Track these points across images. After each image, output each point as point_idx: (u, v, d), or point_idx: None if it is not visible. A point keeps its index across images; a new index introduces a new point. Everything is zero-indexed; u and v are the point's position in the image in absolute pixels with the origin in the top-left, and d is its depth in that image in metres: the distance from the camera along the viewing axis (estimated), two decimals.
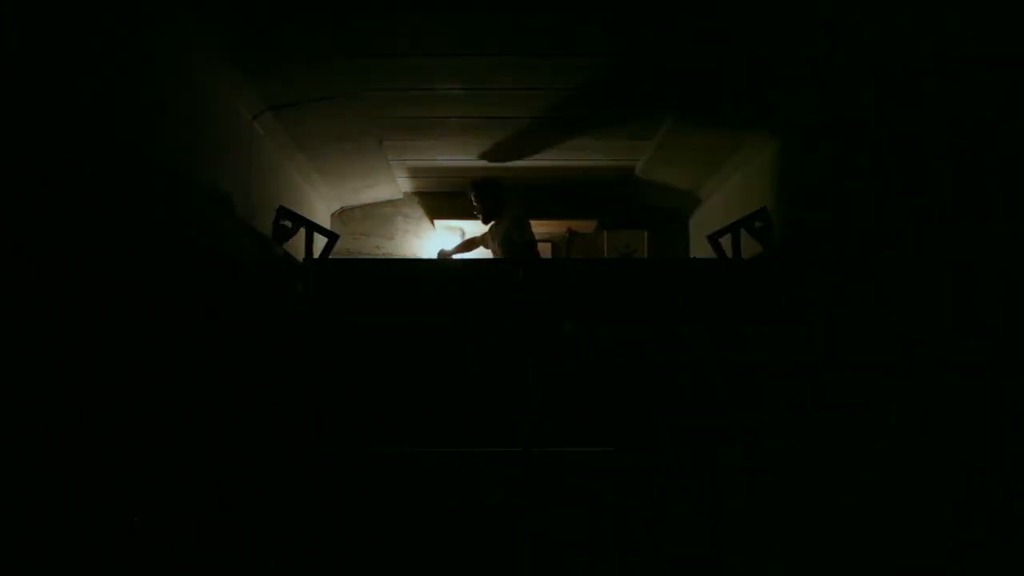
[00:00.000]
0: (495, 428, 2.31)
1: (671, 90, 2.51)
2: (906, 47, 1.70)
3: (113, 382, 1.37)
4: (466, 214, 3.67)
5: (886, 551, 1.71)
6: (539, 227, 3.62)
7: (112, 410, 1.36)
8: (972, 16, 1.42)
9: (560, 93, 2.60)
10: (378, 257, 4.01)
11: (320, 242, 2.71)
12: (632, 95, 2.58)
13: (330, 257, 2.72)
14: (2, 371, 1.04)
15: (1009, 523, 1.25)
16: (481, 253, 3.70)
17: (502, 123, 2.95)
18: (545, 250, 3.93)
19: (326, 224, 3.82)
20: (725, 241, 2.84)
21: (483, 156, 3.42)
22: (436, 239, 4.02)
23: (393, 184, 3.86)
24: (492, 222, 3.44)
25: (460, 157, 3.45)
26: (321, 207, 3.76)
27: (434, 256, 3.66)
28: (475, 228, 3.79)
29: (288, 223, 2.60)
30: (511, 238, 3.26)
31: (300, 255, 2.69)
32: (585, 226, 3.94)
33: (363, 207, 4.08)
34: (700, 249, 3.44)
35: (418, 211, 4.11)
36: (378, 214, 4.09)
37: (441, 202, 4.08)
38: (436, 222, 4.01)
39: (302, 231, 2.66)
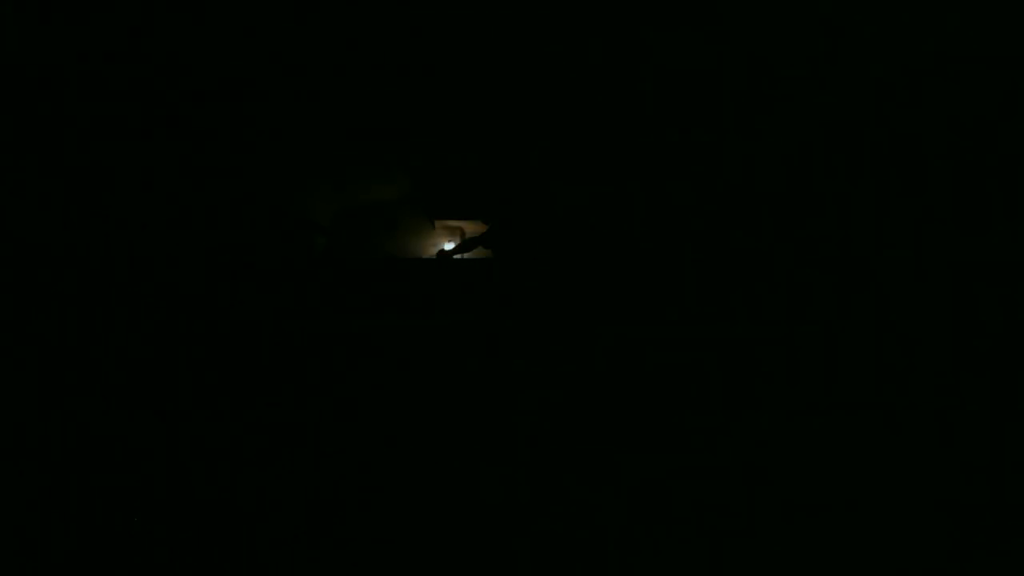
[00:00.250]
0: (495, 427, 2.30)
1: None
2: (906, 47, 1.70)
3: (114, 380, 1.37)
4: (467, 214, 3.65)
5: (887, 551, 1.71)
6: None
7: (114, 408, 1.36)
8: (972, 16, 1.42)
9: None
10: (379, 257, 3.99)
11: (319, 242, 2.70)
12: None
13: (331, 256, 2.72)
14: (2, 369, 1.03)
15: (1009, 523, 1.25)
16: (481, 252, 3.69)
17: None
18: None
19: (325, 223, 3.81)
20: None
21: None
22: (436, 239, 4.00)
23: (393, 184, 3.85)
24: None
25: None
26: (321, 206, 3.75)
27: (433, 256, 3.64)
28: (475, 227, 3.78)
29: (291, 223, 2.59)
30: None
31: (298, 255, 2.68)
32: None
33: (364, 207, 4.07)
34: None
35: (418, 210, 4.10)
36: (378, 213, 4.08)
37: (442, 201, 4.06)
38: (435, 222, 4.00)
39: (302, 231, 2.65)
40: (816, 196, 2.34)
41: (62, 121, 1.24)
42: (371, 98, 2.74)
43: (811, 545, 2.08)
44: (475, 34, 2.18)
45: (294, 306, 2.47)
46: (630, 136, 3.14)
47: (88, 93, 1.36)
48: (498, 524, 2.26)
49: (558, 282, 2.55)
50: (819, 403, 2.11)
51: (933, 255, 1.59)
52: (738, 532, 2.23)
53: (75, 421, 1.25)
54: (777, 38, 2.00)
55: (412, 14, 2.21)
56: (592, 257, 2.86)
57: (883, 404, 1.76)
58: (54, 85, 1.21)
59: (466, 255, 3.64)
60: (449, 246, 3.68)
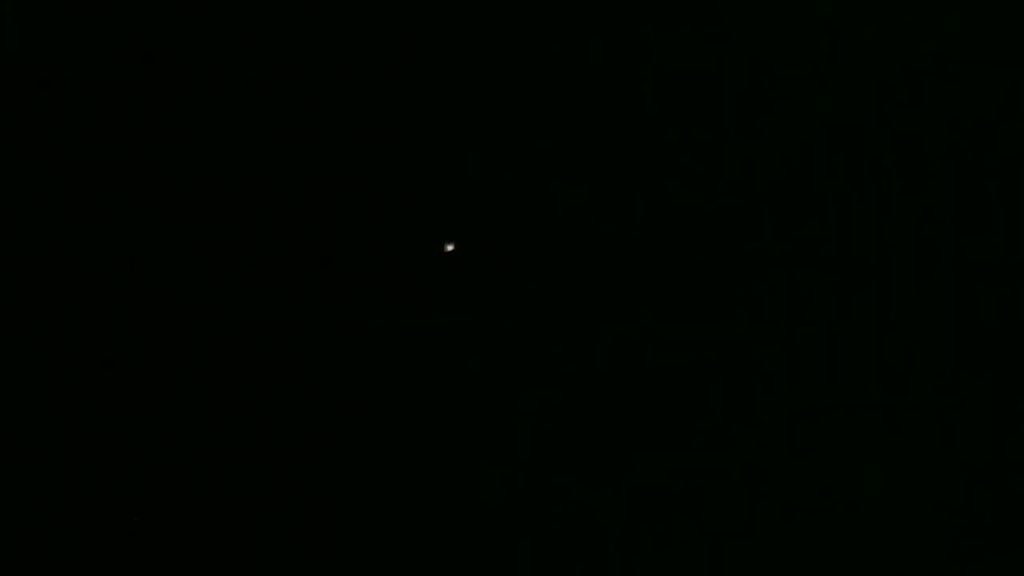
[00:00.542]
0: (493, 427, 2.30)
1: None
2: (906, 47, 1.70)
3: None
4: None
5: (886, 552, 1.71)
6: None
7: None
8: (972, 16, 1.42)
9: None
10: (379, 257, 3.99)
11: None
12: None
13: (330, 256, 2.71)
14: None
15: (1010, 524, 1.25)
16: None
17: None
18: None
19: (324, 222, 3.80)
20: None
21: None
22: None
23: (393, 183, 3.85)
24: None
25: None
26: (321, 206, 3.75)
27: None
28: (475, 227, 3.77)
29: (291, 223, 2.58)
30: None
31: None
32: None
33: (364, 206, 4.06)
34: None
35: None
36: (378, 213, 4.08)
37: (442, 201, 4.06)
38: (436, 222, 4.00)
39: None
40: (816, 196, 2.34)
41: (62, 121, 1.24)
42: (371, 98, 2.74)
43: (811, 545, 2.08)
44: (475, 34, 2.18)
45: (294, 306, 2.47)
46: (630, 136, 3.14)
47: (88, 93, 1.36)
48: (498, 524, 2.26)
49: (558, 282, 2.54)
50: (819, 403, 2.11)
51: (933, 255, 1.59)
52: (738, 532, 2.23)
53: (75, 421, 1.25)
54: (777, 38, 2.00)
55: (412, 14, 2.21)
56: (592, 257, 2.86)
57: (883, 404, 1.75)
58: (54, 85, 1.21)
59: (465, 255, 3.64)
60: (450, 247, 3.68)
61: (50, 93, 1.22)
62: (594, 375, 2.41)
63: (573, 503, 2.28)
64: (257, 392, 2.28)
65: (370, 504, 2.27)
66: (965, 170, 1.48)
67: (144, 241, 1.57)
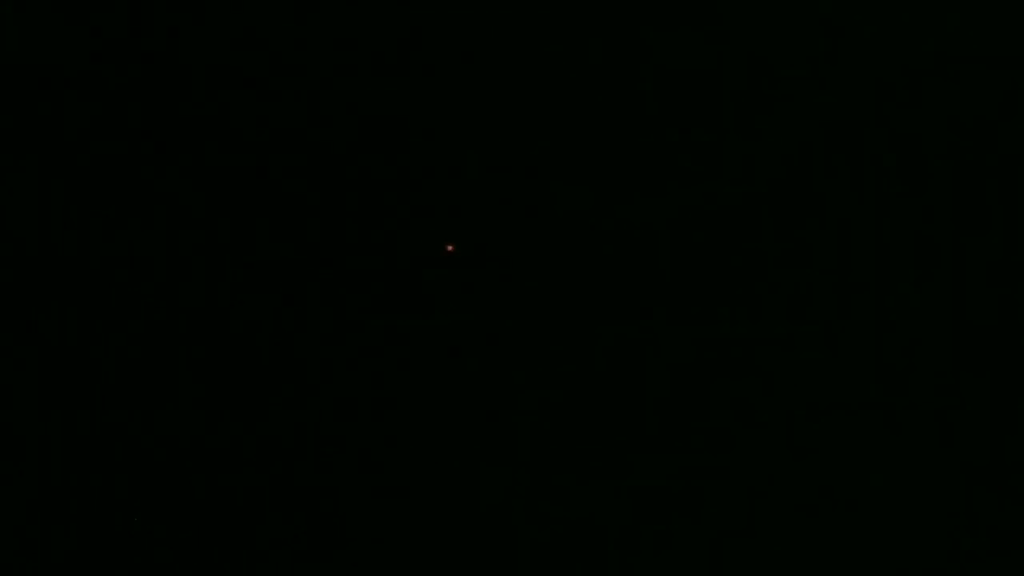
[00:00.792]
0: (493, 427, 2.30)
1: None
2: (906, 47, 1.70)
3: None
4: None
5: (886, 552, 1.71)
6: None
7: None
8: (972, 16, 1.42)
9: None
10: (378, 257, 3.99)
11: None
12: None
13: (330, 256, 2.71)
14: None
15: (1010, 524, 1.25)
16: None
17: None
18: None
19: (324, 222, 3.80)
20: None
21: None
22: None
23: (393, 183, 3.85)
24: None
25: None
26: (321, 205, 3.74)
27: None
28: (474, 228, 3.77)
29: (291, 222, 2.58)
30: None
31: None
32: None
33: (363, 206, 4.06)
34: None
35: None
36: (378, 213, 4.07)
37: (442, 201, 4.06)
38: (435, 222, 4.00)
39: None
40: (816, 196, 2.33)
41: (62, 121, 1.24)
42: (371, 98, 2.74)
43: (811, 545, 2.08)
44: (475, 34, 2.18)
45: (294, 306, 2.47)
46: (630, 136, 3.14)
47: (88, 93, 1.36)
48: (498, 524, 2.26)
49: (558, 282, 2.54)
50: (819, 403, 2.11)
51: (933, 255, 1.59)
52: (738, 532, 2.22)
53: (75, 421, 1.25)
54: (777, 38, 2.00)
55: (411, 13, 2.21)
56: (592, 257, 2.87)
57: (883, 404, 1.75)
58: (54, 85, 1.21)
59: (465, 254, 3.64)
60: (450, 246, 3.68)
61: (50, 93, 1.22)
62: (594, 375, 2.40)
63: (573, 503, 2.28)
64: (257, 392, 2.28)
65: (370, 504, 2.27)
66: (965, 170, 1.48)
67: (144, 241, 1.57)
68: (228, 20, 2.08)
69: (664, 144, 2.88)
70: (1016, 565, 1.25)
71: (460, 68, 2.41)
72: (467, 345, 2.43)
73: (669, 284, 2.53)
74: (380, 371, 2.37)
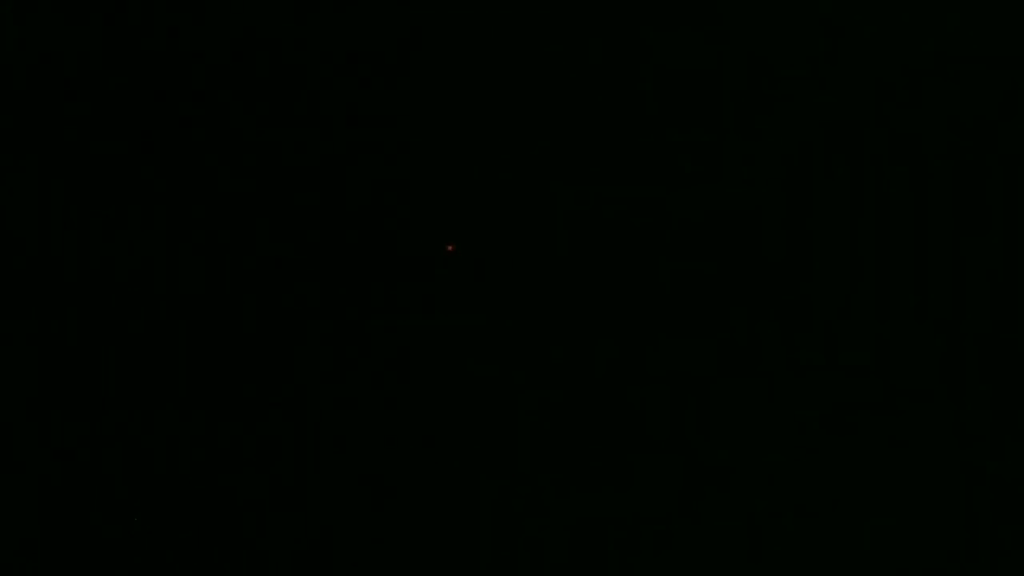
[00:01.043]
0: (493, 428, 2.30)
1: None
2: (906, 47, 1.70)
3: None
4: None
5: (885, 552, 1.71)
6: None
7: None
8: (972, 16, 1.42)
9: None
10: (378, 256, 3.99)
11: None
12: None
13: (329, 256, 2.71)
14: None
15: (1010, 524, 1.25)
16: None
17: None
18: None
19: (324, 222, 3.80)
20: None
21: None
22: None
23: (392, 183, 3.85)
24: None
25: None
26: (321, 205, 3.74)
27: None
28: (474, 228, 3.77)
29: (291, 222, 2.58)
30: None
31: None
32: None
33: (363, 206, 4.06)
34: None
35: None
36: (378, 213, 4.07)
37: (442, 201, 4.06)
38: (436, 222, 4.00)
39: None
40: (816, 196, 2.34)
41: (62, 121, 1.24)
42: (372, 98, 2.74)
43: (811, 545, 2.08)
44: (475, 34, 2.18)
45: (294, 306, 2.47)
46: (630, 136, 3.14)
47: (88, 93, 1.36)
48: (498, 525, 2.26)
49: (558, 282, 2.54)
50: (819, 403, 2.11)
51: (933, 255, 1.59)
52: (738, 532, 2.23)
53: (75, 421, 1.25)
54: (777, 38, 2.00)
55: (411, 13, 2.21)
56: (592, 257, 2.87)
57: (883, 404, 1.75)
58: (54, 85, 1.21)
59: (465, 254, 3.64)
60: (450, 246, 3.68)
61: (50, 93, 1.22)
62: (594, 375, 2.41)
63: (573, 503, 2.28)
64: (257, 392, 2.28)
65: (370, 504, 2.27)
66: (965, 170, 1.48)
67: (144, 241, 1.57)
68: (228, 20, 2.08)
69: (664, 144, 2.88)
70: (1016, 565, 1.26)
71: (460, 68, 2.41)
72: (467, 345, 2.43)
73: (669, 284, 2.53)
74: (380, 371, 2.37)
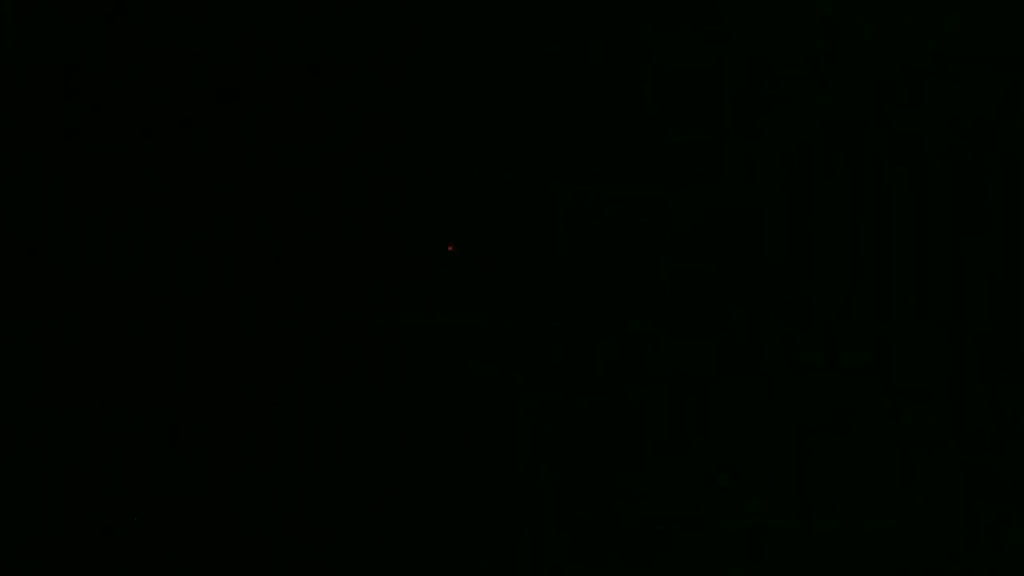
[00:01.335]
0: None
1: None
2: (906, 47, 1.70)
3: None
4: None
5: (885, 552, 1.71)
6: None
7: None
8: (972, 16, 1.42)
9: None
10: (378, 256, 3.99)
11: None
12: None
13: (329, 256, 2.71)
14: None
15: (1010, 524, 1.25)
16: None
17: None
18: None
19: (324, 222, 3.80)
20: None
21: None
22: None
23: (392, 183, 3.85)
24: None
25: None
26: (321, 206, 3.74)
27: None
28: (475, 228, 3.77)
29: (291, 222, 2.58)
30: None
31: None
32: None
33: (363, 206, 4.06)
34: None
35: None
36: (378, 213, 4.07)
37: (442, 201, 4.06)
38: (436, 222, 4.00)
39: None
40: (816, 196, 2.34)
41: (62, 121, 1.24)
42: (372, 98, 2.74)
43: (812, 545, 2.08)
44: (475, 34, 2.19)
45: (294, 306, 2.47)
46: (630, 136, 3.14)
47: (88, 93, 1.36)
48: (498, 525, 2.26)
49: (558, 282, 2.54)
50: (819, 403, 2.11)
51: (933, 255, 1.59)
52: (738, 532, 2.23)
53: (75, 421, 1.25)
54: (777, 38, 2.00)
55: (410, 13, 2.21)
56: (592, 257, 2.87)
57: (883, 404, 1.76)
58: (54, 85, 1.21)
59: (465, 254, 3.64)
60: (450, 246, 3.68)
61: (50, 93, 1.22)
62: (594, 375, 2.41)
63: (573, 503, 2.28)
64: (257, 392, 2.28)
65: (370, 504, 2.27)
66: (965, 170, 1.48)
67: (144, 241, 1.57)
68: (228, 20, 2.08)
69: (664, 144, 2.88)
70: (1016, 565, 1.26)
71: (460, 68, 2.41)
72: (467, 345, 2.43)
73: (669, 284, 2.54)
74: (380, 371, 2.37)
